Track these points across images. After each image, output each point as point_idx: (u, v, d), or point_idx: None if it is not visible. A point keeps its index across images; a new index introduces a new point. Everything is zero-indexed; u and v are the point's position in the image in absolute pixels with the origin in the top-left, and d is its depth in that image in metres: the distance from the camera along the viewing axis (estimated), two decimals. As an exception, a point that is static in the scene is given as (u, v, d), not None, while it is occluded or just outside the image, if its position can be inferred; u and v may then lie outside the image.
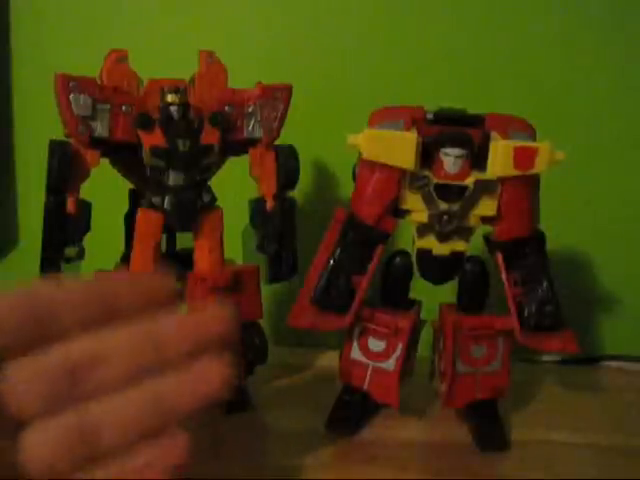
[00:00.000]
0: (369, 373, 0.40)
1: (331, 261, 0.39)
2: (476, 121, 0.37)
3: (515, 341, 0.39)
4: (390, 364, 0.40)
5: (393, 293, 0.41)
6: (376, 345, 0.40)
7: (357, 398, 0.41)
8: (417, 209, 0.38)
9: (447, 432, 0.41)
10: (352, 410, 0.41)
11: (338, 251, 0.39)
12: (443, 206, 0.38)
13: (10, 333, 0.23)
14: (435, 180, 0.37)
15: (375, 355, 0.40)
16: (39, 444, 0.23)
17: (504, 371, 0.40)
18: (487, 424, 0.40)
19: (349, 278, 0.39)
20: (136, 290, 0.26)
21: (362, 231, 0.38)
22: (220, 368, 0.26)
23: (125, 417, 0.25)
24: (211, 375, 0.26)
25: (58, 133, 0.38)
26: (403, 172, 0.37)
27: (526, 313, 0.39)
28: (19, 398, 0.23)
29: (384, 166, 0.37)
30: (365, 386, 0.41)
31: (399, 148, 0.36)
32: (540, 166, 0.36)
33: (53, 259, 0.37)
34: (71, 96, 0.37)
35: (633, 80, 0.56)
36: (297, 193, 0.43)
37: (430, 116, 0.37)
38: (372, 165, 0.37)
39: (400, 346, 0.39)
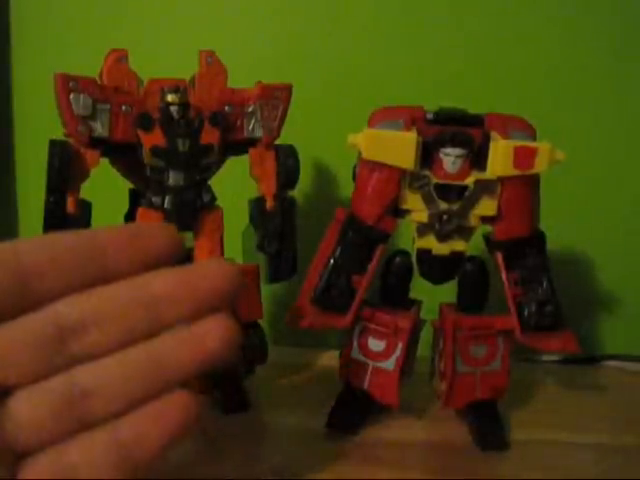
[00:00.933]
0: (369, 373, 0.40)
1: (331, 261, 0.39)
2: (476, 121, 0.37)
3: (515, 341, 0.39)
4: (390, 364, 0.40)
5: (393, 293, 0.41)
6: (376, 345, 0.40)
7: (357, 398, 0.41)
8: (417, 209, 0.38)
9: (447, 432, 0.41)
10: (352, 410, 0.41)
11: (338, 251, 0.39)
12: (443, 206, 0.38)
13: None
14: (435, 180, 0.37)
15: (375, 355, 0.40)
16: (24, 410, 0.22)
17: (504, 371, 0.40)
18: (487, 424, 0.40)
19: (349, 278, 0.39)
20: (131, 245, 0.24)
21: (362, 231, 0.38)
22: (222, 325, 0.24)
23: (118, 381, 0.23)
24: (212, 333, 0.24)
25: (58, 133, 0.38)
26: (403, 172, 0.37)
27: (526, 313, 0.39)
28: (1, 365, 0.22)
29: (384, 166, 0.37)
30: (365, 386, 0.40)
31: (399, 148, 0.36)
32: (540, 166, 0.36)
33: (53, 259, 0.37)
34: (71, 96, 0.37)
35: (634, 80, 0.56)
36: (297, 193, 0.43)
37: (430, 116, 0.37)
38: (372, 165, 0.37)
39: (400, 346, 0.39)
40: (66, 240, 0.23)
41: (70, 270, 0.23)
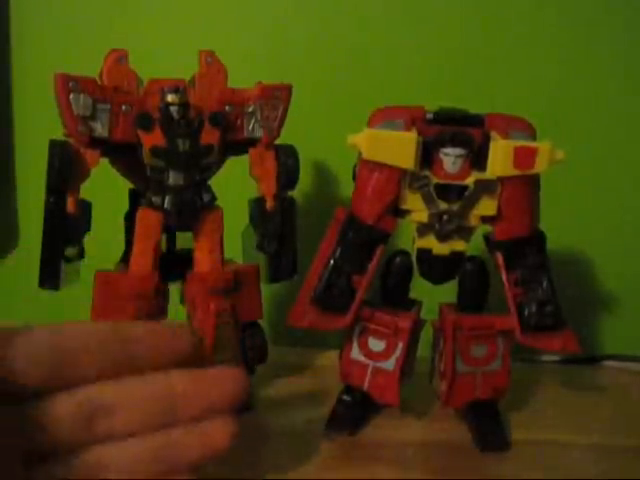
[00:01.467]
0: (369, 373, 0.40)
1: (331, 261, 0.39)
2: (476, 121, 0.37)
3: (515, 341, 0.39)
4: (390, 364, 0.40)
5: (393, 293, 0.41)
6: (376, 345, 0.40)
7: (357, 398, 0.41)
8: (417, 209, 0.38)
9: (447, 432, 0.41)
10: (352, 410, 0.41)
11: (338, 251, 0.39)
12: (443, 206, 0.38)
13: (32, 372, 0.25)
14: (435, 180, 0.37)
15: (375, 355, 0.40)
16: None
17: (504, 371, 0.40)
18: (487, 424, 0.40)
19: (349, 278, 0.39)
20: (158, 343, 0.28)
21: (362, 231, 0.38)
22: (227, 427, 0.28)
23: (134, 463, 0.26)
24: (218, 433, 0.28)
25: (58, 133, 0.38)
26: (403, 172, 0.37)
27: (526, 313, 0.39)
28: (39, 438, 0.25)
29: (384, 166, 0.37)
30: (365, 386, 0.41)
31: (399, 148, 0.36)
32: (540, 166, 0.36)
33: (53, 259, 0.37)
34: (71, 96, 0.37)
35: (634, 79, 0.56)
36: (297, 193, 0.43)
37: (430, 116, 0.37)
38: (372, 165, 0.37)
39: (400, 346, 0.39)
40: (103, 332, 0.27)
41: (103, 359, 0.27)
